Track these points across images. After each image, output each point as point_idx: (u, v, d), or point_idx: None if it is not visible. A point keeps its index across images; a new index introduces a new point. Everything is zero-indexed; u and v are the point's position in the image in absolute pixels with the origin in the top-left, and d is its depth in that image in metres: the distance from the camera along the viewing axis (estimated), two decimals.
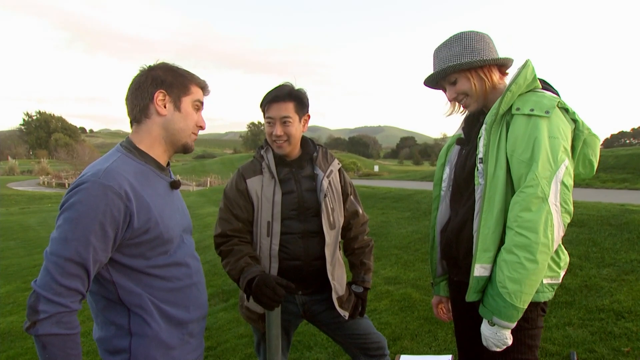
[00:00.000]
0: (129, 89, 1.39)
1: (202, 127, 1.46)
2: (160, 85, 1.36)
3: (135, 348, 1.31)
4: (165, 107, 1.37)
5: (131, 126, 1.42)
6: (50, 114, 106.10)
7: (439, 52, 1.58)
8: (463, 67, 1.53)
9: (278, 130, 1.91)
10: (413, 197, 9.34)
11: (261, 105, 1.98)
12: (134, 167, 1.33)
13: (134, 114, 1.38)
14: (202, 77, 1.46)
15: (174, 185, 1.46)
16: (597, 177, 11.36)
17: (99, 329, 1.35)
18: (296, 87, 1.97)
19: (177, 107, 1.39)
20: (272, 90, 1.96)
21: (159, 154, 1.42)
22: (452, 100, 1.62)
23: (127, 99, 1.40)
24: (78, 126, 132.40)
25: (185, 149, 1.44)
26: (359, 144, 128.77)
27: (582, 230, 5.22)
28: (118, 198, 1.22)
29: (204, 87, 1.47)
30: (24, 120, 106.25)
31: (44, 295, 1.14)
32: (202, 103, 1.45)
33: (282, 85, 1.97)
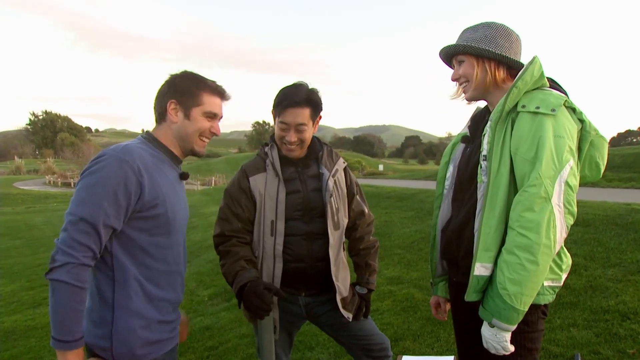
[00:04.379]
0: (156, 93, 1.56)
1: (215, 134, 1.59)
2: (173, 95, 1.52)
3: (117, 318, 1.41)
4: (177, 115, 1.53)
5: (156, 123, 1.60)
6: (56, 114, 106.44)
7: (464, 31, 1.60)
8: (468, 51, 1.52)
9: (292, 136, 1.86)
10: (417, 196, 9.31)
11: (275, 107, 1.89)
12: (150, 152, 1.49)
13: (155, 115, 1.58)
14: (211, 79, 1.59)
15: (183, 176, 1.62)
16: (603, 176, 11.19)
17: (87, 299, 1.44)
18: (310, 87, 1.89)
19: (187, 116, 1.54)
20: (289, 92, 1.86)
21: (175, 151, 1.58)
22: (454, 80, 1.62)
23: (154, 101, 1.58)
24: (83, 126, 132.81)
25: (193, 154, 1.60)
26: (364, 143, 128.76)
27: (587, 230, 5.17)
28: (132, 171, 1.37)
29: (221, 95, 1.59)
30: (30, 120, 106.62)
31: (60, 248, 1.30)
32: (214, 113, 1.57)
33: (299, 87, 1.87)
